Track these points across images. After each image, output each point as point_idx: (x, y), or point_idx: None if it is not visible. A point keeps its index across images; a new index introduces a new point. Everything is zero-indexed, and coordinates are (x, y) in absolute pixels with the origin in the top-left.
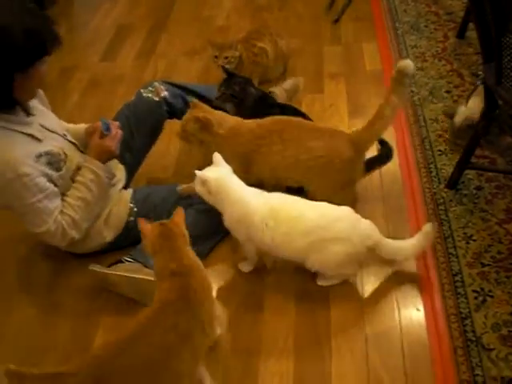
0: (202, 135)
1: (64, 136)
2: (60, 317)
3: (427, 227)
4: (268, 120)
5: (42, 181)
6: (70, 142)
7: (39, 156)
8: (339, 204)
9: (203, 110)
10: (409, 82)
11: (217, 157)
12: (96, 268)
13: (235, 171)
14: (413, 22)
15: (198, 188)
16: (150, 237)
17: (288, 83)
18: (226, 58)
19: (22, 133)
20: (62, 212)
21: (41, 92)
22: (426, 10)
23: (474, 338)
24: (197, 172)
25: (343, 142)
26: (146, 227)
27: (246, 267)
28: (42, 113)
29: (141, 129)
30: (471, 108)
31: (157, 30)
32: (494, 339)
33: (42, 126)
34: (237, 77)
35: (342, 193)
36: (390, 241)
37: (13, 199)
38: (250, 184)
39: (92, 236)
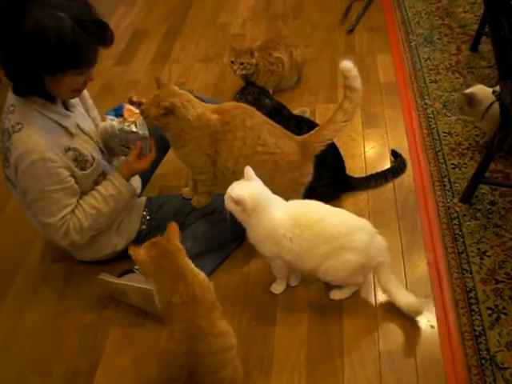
0: (167, 120)
1: (97, 143)
2: (69, 326)
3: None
4: (228, 105)
5: (65, 173)
6: (101, 150)
7: (68, 149)
8: None
9: (168, 91)
10: (359, 86)
11: (248, 171)
12: (105, 277)
13: (203, 165)
14: (426, 35)
15: (231, 206)
16: (146, 263)
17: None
18: (242, 63)
19: (58, 123)
20: (73, 212)
21: (86, 96)
22: (439, 22)
23: (488, 357)
24: (229, 191)
25: (291, 144)
26: (139, 255)
27: (277, 288)
28: (81, 115)
29: (156, 135)
30: (484, 90)
31: (172, 36)
32: (508, 357)
33: (77, 125)
34: (252, 86)
35: (291, 194)
36: (390, 271)
37: (32, 182)
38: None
39: (103, 244)
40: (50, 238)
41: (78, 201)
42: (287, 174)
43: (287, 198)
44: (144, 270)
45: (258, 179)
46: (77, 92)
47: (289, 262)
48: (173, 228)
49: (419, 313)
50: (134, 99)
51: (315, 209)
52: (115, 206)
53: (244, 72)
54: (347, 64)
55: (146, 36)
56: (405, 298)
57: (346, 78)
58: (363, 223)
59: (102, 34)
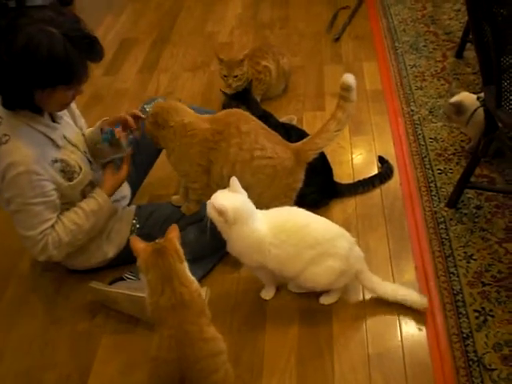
0: (158, 132)
1: (84, 153)
2: (59, 334)
3: (422, 300)
4: (222, 113)
5: (49, 186)
6: (89, 160)
7: (55, 161)
8: None
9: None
10: (354, 98)
11: (234, 182)
12: (96, 285)
13: (196, 174)
14: (412, 42)
15: (214, 215)
16: (143, 255)
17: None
18: (236, 76)
19: (45, 135)
20: (52, 227)
21: (73, 106)
22: (424, 29)
23: (475, 358)
24: (212, 200)
25: (286, 151)
26: (139, 246)
27: (267, 294)
28: (68, 125)
29: (145, 143)
30: (468, 97)
31: (160, 45)
32: (495, 359)
33: (64, 136)
34: (237, 95)
35: (284, 199)
36: (370, 274)
37: (15, 193)
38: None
39: (93, 252)
40: (29, 251)
41: (58, 216)
42: (283, 179)
43: (280, 204)
44: (139, 262)
45: (243, 191)
46: (65, 105)
47: (272, 269)
48: (173, 229)
49: (423, 304)
50: (136, 113)
51: (298, 214)
52: (95, 222)
53: (239, 83)
54: (349, 79)
55: (134, 45)
56: (401, 291)
57: (344, 90)
58: (343, 231)
59: (92, 50)
